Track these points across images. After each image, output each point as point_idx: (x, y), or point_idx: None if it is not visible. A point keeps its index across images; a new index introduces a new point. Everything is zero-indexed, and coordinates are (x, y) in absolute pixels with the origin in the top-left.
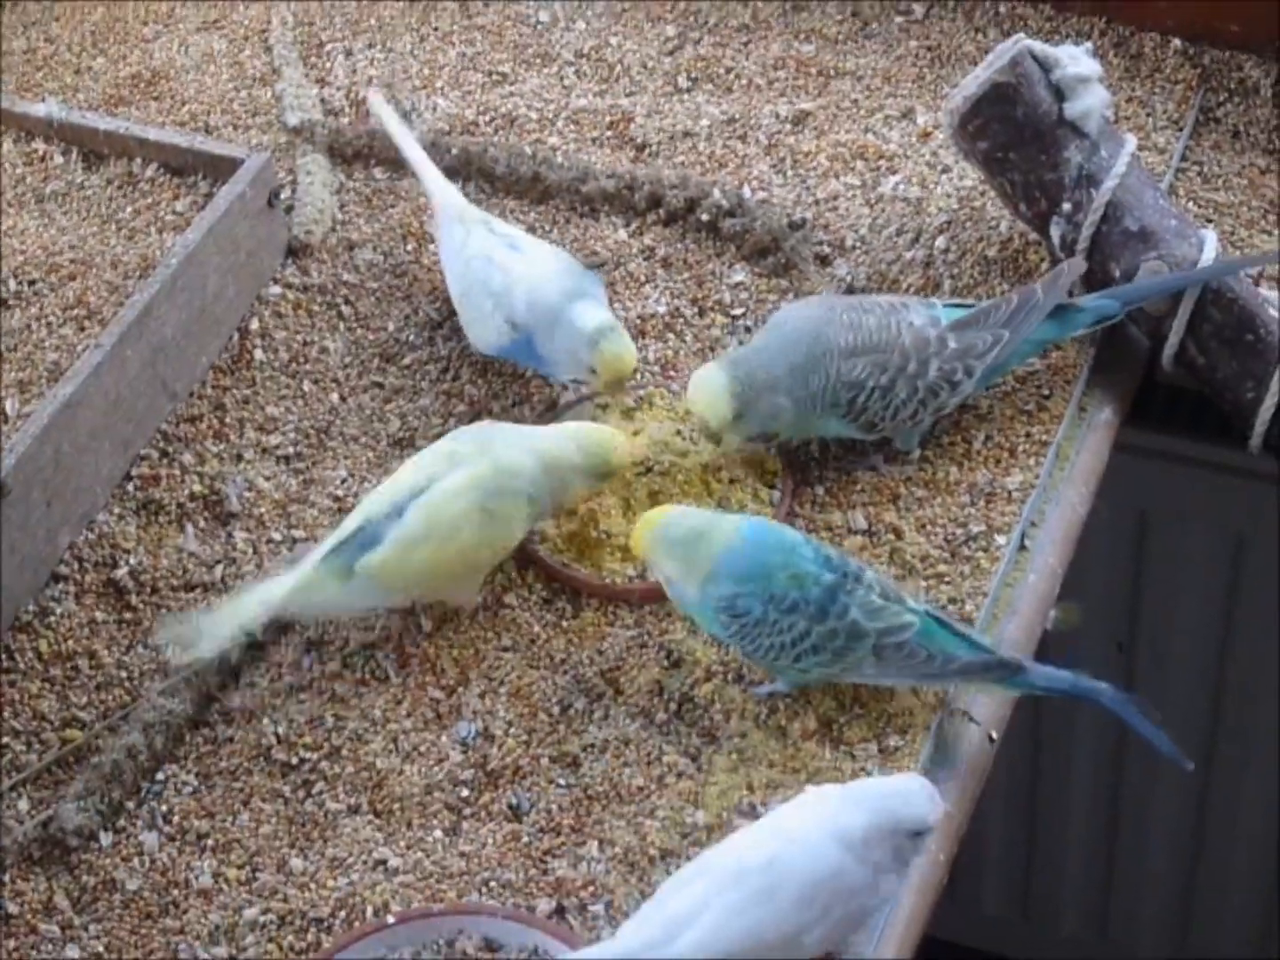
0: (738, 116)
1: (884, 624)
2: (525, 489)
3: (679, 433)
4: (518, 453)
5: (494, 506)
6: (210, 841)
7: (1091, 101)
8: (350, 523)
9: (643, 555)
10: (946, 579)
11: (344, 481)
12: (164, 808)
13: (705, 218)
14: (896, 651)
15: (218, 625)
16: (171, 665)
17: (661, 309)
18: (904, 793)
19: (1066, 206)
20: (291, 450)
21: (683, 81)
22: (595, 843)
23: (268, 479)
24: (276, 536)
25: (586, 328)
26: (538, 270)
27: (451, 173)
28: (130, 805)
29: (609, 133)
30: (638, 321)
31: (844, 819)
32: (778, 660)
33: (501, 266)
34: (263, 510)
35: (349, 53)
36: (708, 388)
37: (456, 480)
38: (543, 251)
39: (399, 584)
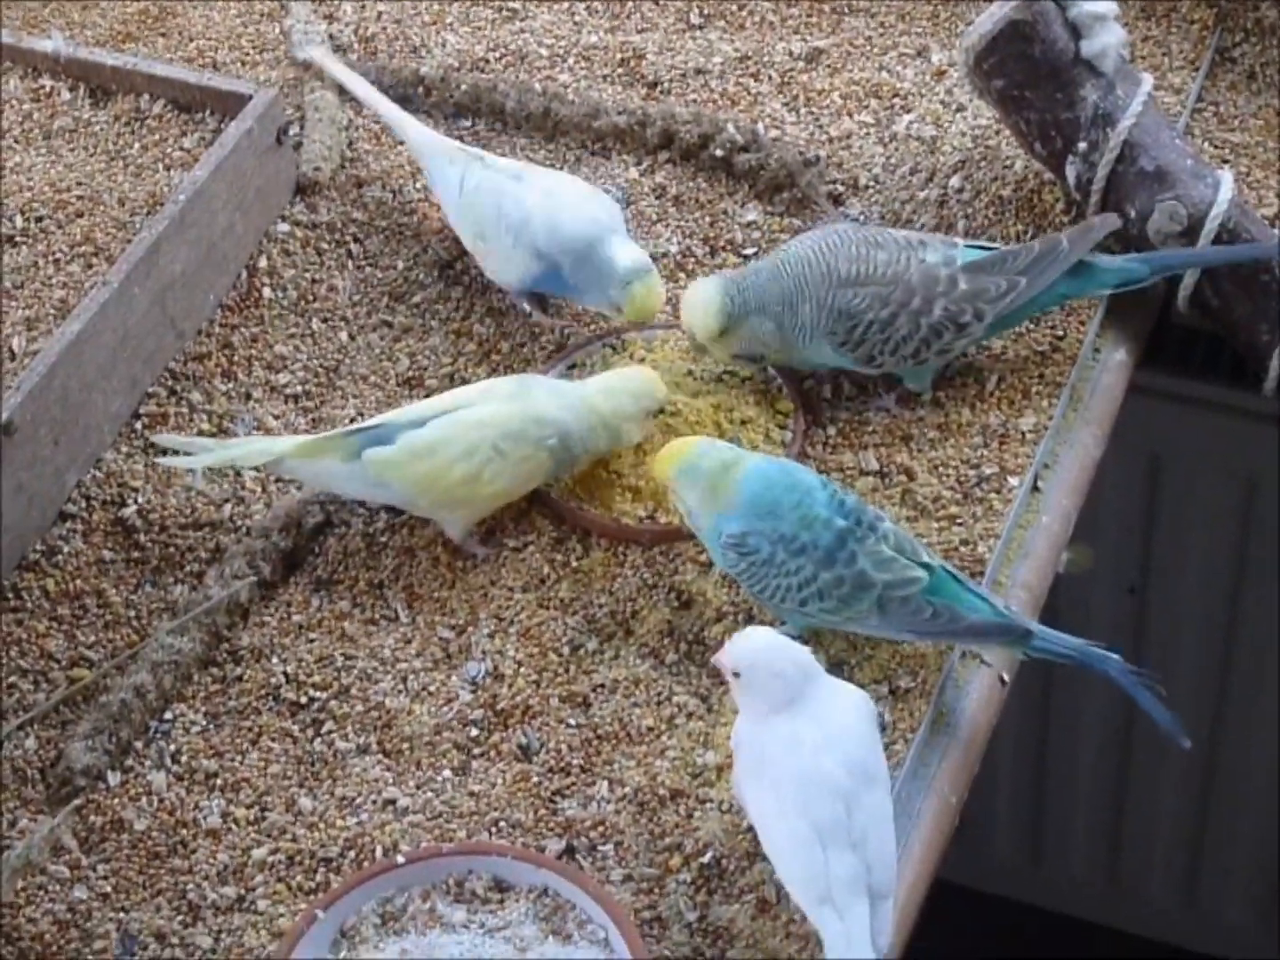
0: (750, 54)
1: (892, 576)
2: (548, 442)
3: (690, 373)
4: (553, 406)
5: (507, 449)
6: (219, 781)
7: (1108, 39)
8: (374, 419)
9: (665, 482)
10: (959, 520)
11: (353, 420)
12: (172, 747)
13: (719, 153)
14: (902, 605)
15: (215, 448)
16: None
17: (673, 248)
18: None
19: (1082, 146)
20: (300, 389)
21: (695, 18)
22: (605, 783)
23: (276, 418)
24: (285, 476)
25: (620, 267)
26: (555, 198)
27: (461, 109)
28: (138, 745)
29: (620, 70)
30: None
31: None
32: (783, 603)
33: (514, 199)
34: None
35: None
36: (698, 302)
37: (480, 413)
38: (553, 179)
39: (394, 484)
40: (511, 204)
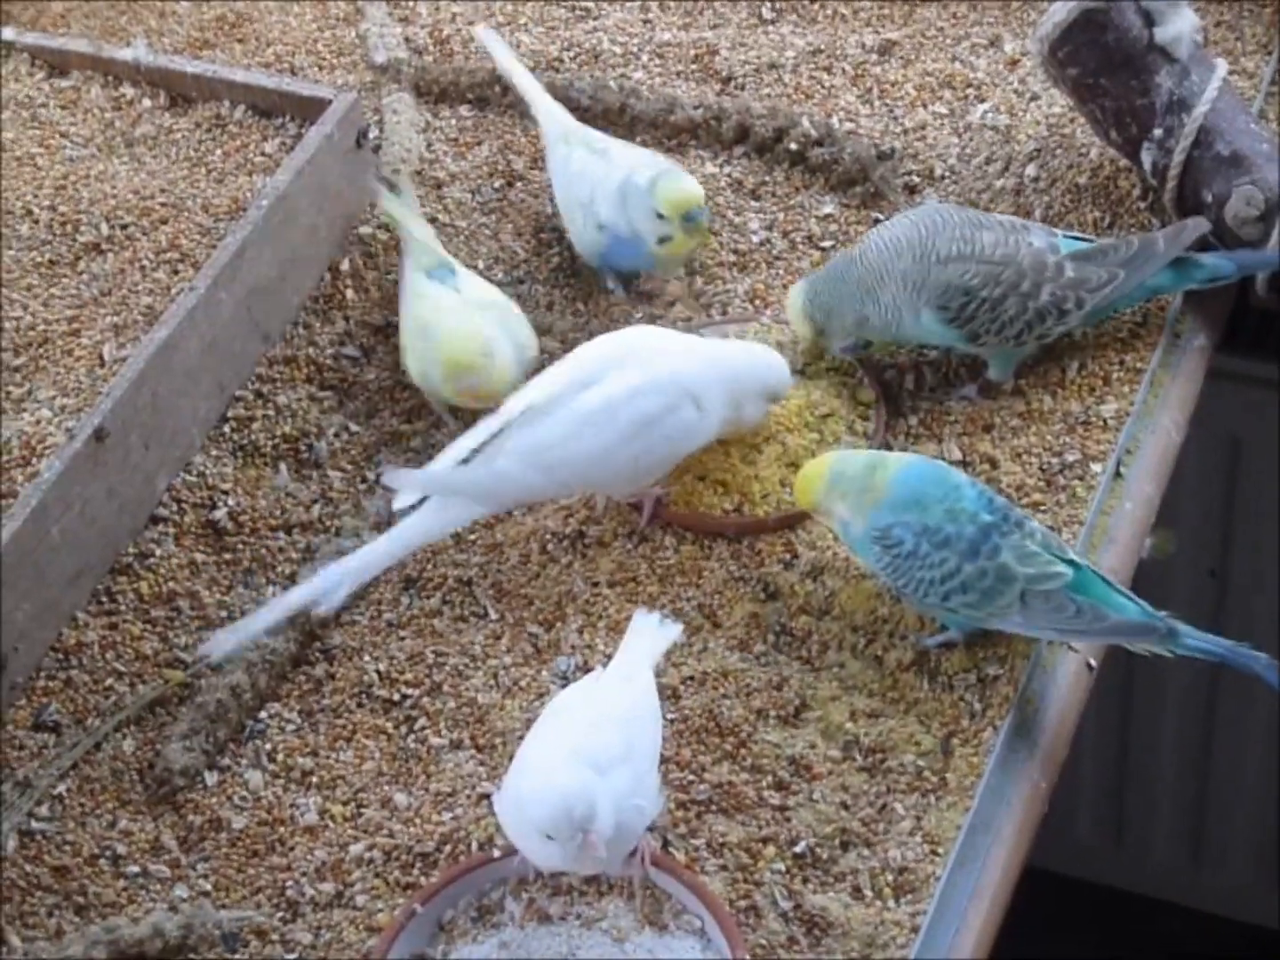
0: (823, 47)
1: (1034, 570)
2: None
3: None
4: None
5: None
6: (314, 779)
7: (1181, 26)
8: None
9: (814, 504)
10: (1043, 508)
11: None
12: (268, 746)
13: (794, 147)
14: (1044, 601)
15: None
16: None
17: (755, 239)
18: None
19: (1158, 132)
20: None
21: (767, 13)
22: (696, 774)
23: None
24: (370, 476)
25: (642, 181)
26: (615, 170)
27: None
28: (234, 744)
29: (694, 66)
30: (731, 255)
31: None
32: (926, 597)
33: (587, 176)
34: (354, 451)
35: None
36: (791, 309)
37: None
38: (628, 154)
39: None
40: (585, 182)
